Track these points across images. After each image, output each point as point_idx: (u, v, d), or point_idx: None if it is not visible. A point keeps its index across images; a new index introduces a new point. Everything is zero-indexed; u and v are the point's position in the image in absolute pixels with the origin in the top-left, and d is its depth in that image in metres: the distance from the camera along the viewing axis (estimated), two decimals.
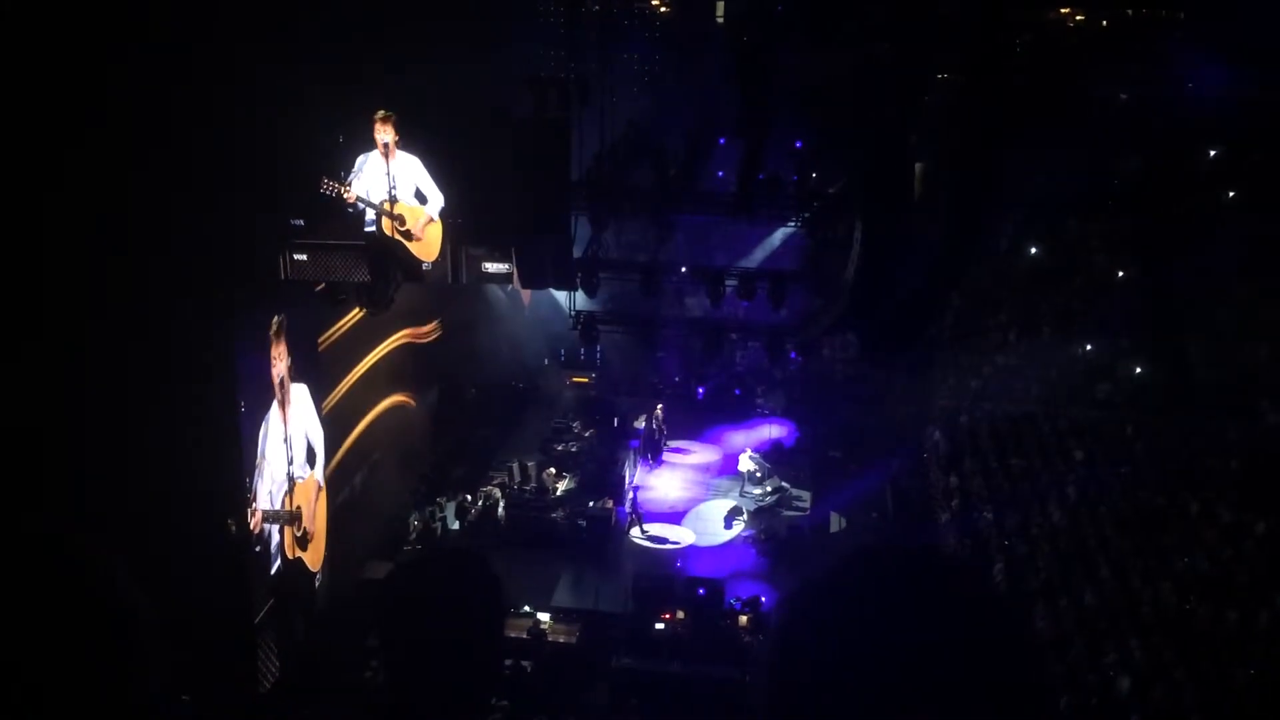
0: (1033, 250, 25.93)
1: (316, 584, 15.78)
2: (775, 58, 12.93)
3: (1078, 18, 27.14)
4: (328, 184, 13.69)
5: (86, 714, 1.55)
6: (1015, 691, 1.21)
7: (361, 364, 17.92)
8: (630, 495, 20.65)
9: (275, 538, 14.37)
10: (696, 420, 25.18)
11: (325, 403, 16.00)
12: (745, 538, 20.05)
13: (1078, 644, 15.19)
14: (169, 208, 11.40)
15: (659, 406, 23.67)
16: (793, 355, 20.37)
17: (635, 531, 20.17)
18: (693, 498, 21.81)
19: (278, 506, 14.22)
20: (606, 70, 16.26)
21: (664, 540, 20.13)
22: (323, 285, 15.20)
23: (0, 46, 10.32)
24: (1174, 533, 18.20)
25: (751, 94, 13.22)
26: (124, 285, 11.31)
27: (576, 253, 15.44)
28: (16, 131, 10.45)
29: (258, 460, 13.58)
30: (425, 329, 20.86)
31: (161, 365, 11.73)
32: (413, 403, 20.50)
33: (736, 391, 25.82)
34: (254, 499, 13.50)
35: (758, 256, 23.74)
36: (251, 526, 13.47)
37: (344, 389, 17.20)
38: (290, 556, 14.78)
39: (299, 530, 14.93)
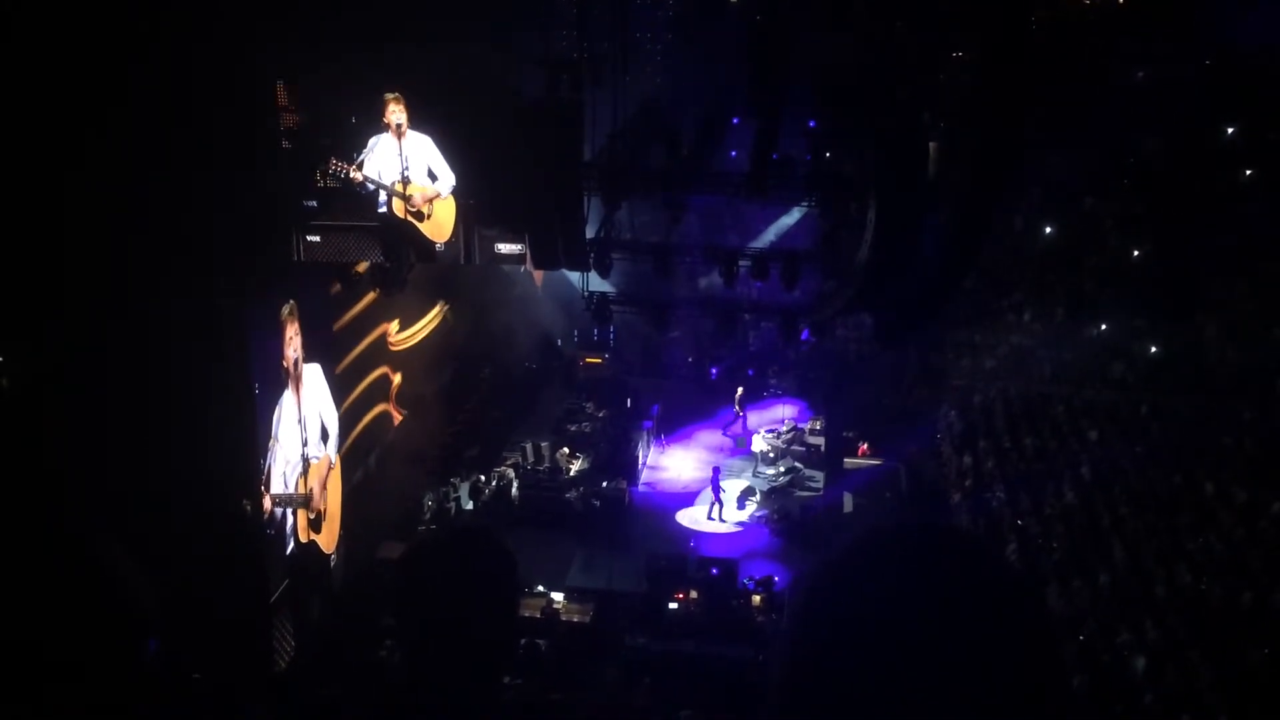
0: (1048, 230, 25.78)
1: (331, 564, 15.85)
2: (789, 36, 12.84)
3: None
4: (336, 165, 13.71)
5: (87, 685, 1.58)
6: (1031, 670, 1.21)
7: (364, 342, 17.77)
8: (712, 477, 20.59)
9: (289, 521, 14.43)
10: (709, 401, 25.25)
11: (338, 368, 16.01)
12: (758, 518, 20.06)
13: (1091, 624, 15.18)
14: (184, 190, 11.42)
15: (739, 390, 23.66)
16: (804, 336, 20.32)
17: (713, 514, 20.21)
18: (706, 478, 21.82)
19: (291, 488, 14.27)
20: (619, 50, 16.18)
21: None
22: (337, 286, 15.24)
23: (22, 32, 10.34)
24: (1188, 513, 18.15)
25: (765, 73, 13.13)
26: (139, 267, 11.36)
27: (589, 233, 15.42)
28: (35, 119, 10.48)
29: (270, 443, 13.64)
30: (394, 332, 19.23)
31: (176, 348, 11.78)
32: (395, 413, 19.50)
33: (750, 372, 25.79)
34: (266, 481, 13.55)
35: (769, 237, 23.75)
36: (263, 511, 13.51)
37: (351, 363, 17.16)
38: (304, 540, 14.81)
39: (312, 513, 14.96)
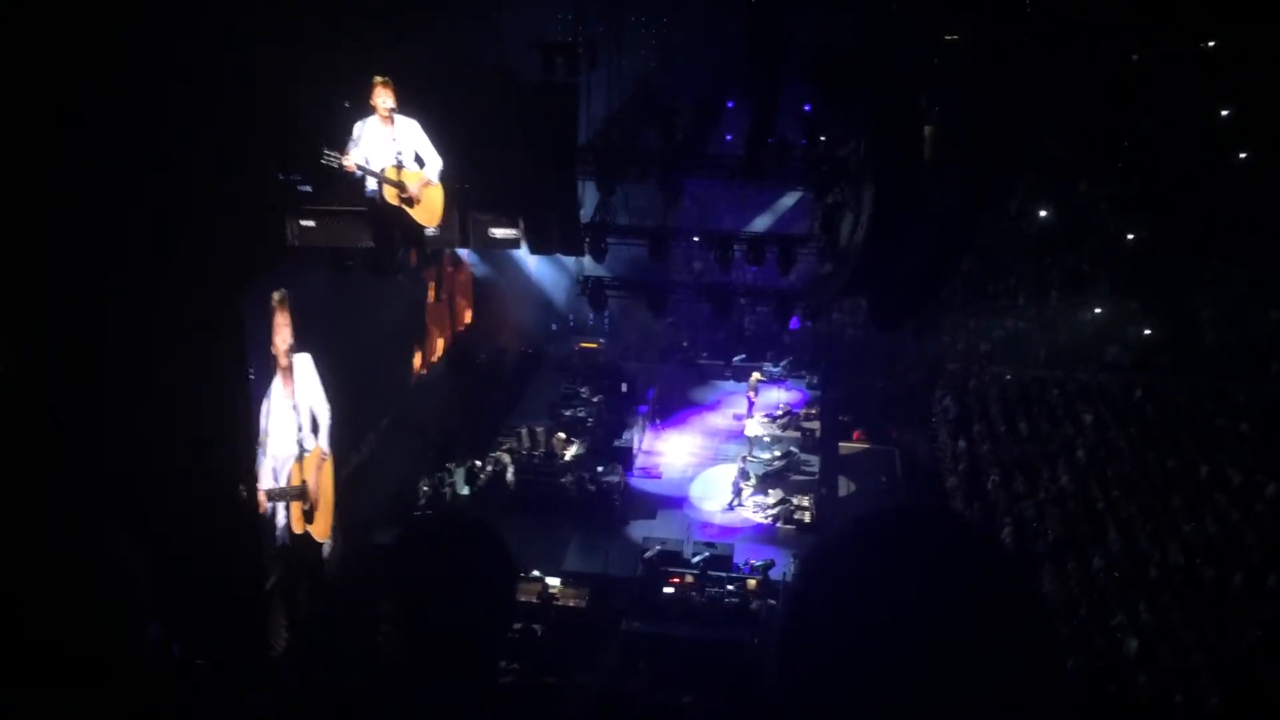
0: (1042, 213, 25.79)
1: (325, 552, 15.81)
2: (785, 19, 12.80)
3: None
4: (329, 155, 13.60)
5: (90, 671, 1.58)
6: (1026, 653, 1.21)
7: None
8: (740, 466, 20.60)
9: (281, 515, 14.35)
10: (704, 385, 25.30)
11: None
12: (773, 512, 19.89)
13: (1085, 606, 15.24)
14: (180, 177, 11.37)
15: (753, 375, 23.63)
16: (793, 324, 20.31)
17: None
18: (700, 463, 21.84)
19: (284, 480, 14.19)
20: (614, 33, 16.13)
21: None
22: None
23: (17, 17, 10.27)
24: (1182, 495, 18.21)
25: (762, 54, 13.10)
26: (135, 252, 11.31)
27: (584, 218, 15.39)
28: (30, 105, 10.42)
29: (261, 436, 13.55)
30: None
31: (171, 333, 11.74)
32: None
33: (744, 356, 25.81)
34: (258, 476, 13.49)
35: (761, 223, 23.74)
36: (257, 507, 13.46)
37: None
38: (297, 531, 14.72)
39: (306, 504, 14.88)
